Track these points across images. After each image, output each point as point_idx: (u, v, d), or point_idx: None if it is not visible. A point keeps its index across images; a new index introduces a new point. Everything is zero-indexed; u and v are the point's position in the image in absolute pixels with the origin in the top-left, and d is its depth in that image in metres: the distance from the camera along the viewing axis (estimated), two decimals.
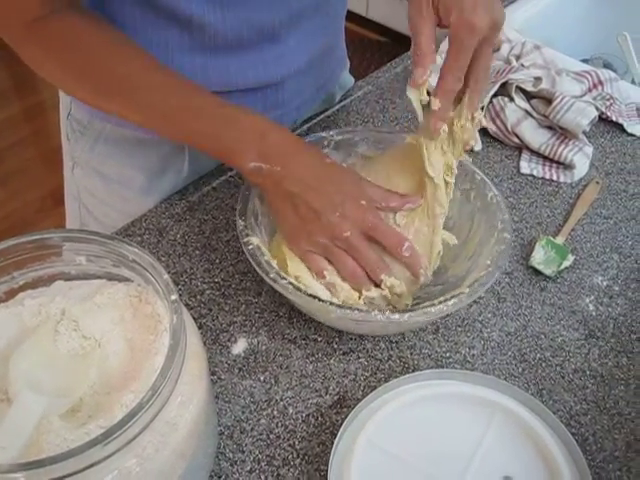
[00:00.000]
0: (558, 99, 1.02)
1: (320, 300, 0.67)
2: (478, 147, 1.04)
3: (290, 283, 0.69)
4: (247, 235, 0.73)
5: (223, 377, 0.73)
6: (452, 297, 0.69)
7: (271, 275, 0.69)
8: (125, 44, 0.74)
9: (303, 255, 0.73)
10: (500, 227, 0.76)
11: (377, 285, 0.73)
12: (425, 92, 0.69)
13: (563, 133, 1.03)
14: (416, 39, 0.67)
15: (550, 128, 1.04)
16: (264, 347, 0.76)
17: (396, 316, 0.67)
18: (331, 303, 0.68)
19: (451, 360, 0.76)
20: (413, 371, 0.74)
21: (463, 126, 0.71)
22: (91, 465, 0.45)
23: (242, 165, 0.71)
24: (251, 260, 0.71)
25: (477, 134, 1.04)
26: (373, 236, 0.71)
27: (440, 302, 0.68)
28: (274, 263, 0.71)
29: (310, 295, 0.68)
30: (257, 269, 0.70)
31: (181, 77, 0.74)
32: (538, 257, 0.86)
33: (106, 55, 0.73)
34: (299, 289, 0.68)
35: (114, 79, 0.73)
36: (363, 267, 0.71)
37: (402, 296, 0.74)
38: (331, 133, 0.85)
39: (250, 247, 0.72)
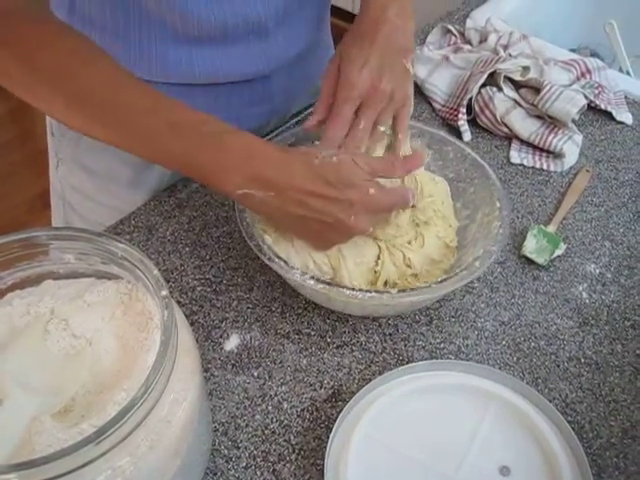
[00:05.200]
0: (547, 88, 1.01)
1: (292, 267, 0.70)
2: (467, 137, 1.03)
3: (269, 248, 0.72)
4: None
5: (216, 374, 0.73)
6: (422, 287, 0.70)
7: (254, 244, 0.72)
8: (93, 52, 0.69)
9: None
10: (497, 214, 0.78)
11: None
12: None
13: (552, 122, 1.03)
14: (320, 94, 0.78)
15: (539, 117, 1.04)
16: (257, 342, 0.76)
17: (358, 293, 0.68)
18: (311, 277, 0.69)
19: (445, 351, 0.76)
20: (407, 363, 0.74)
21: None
22: (84, 464, 0.44)
23: (228, 191, 0.68)
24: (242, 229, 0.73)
25: (466, 125, 1.04)
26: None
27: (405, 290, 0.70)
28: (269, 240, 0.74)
29: (283, 260, 0.70)
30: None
31: (155, 92, 0.69)
32: (530, 246, 0.86)
33: (74, 64, 0.68)
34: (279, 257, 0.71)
35: (80, 91, 0.68)
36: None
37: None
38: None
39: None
